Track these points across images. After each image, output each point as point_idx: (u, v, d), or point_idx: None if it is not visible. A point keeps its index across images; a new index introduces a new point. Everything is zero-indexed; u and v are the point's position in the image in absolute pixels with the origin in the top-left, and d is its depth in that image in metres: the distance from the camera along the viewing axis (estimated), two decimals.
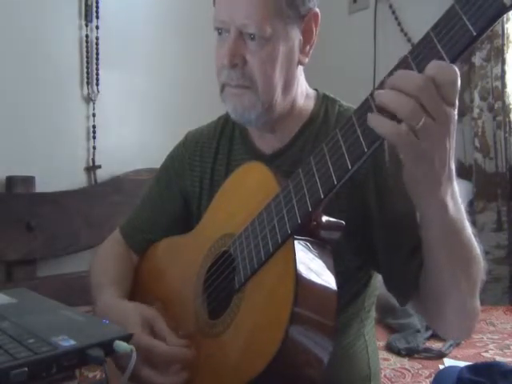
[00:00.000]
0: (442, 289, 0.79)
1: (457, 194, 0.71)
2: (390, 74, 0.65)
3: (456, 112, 0.64)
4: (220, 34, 0.92)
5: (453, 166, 0.68)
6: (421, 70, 0.62)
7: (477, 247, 0.77)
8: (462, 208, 0.74)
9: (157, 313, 0.86)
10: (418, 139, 0.62)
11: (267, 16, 0.87)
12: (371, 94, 0.66)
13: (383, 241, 0.88)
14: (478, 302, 0.81)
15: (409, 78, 0.61)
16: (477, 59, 2.42)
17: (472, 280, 0.78)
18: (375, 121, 0.63)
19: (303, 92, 1.00)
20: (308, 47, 0.94)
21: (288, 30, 0.90)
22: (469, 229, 0.75)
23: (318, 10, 0.93)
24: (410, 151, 0.64)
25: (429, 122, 0.61)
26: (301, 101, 0.99)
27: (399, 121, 0.62)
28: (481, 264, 0.78)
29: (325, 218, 0.76)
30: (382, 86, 0.65)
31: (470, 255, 0.76)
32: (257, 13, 0.86)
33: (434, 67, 0.60)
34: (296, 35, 0.92)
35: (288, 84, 0.93)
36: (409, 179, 0.69)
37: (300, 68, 0.97)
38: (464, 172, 2.51)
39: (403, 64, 0.64)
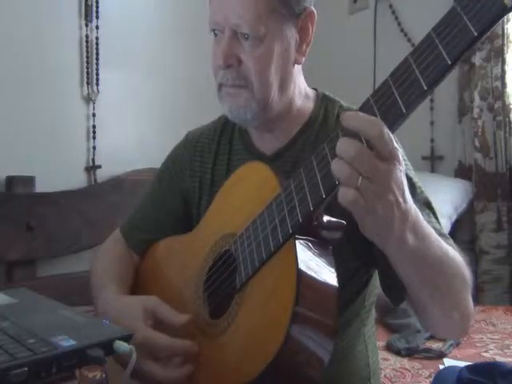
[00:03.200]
0: (423, 307, 0.80)
1: (420, 224, 0.71)
2: (392, 74, 0.65)
3: (396, 164, 0.64)
4: (215, 35, 0.92)
5: (408, 205, 0.67)
6: (422, 72, 0.62)
7: (454, 257, 0.78)
8: (429, 232, 0.73)
9: (158, 300, 0.85)
10: (362, 198, 0.63)
11: (260, 15, 0.87)
12: (372, 95, 0.66)
13: None
14: (468, 307, 0.81)
15: (345, 147, 0.63)
16: (477, 59, 2.42)
17: (454, 291, 0.78)
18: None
19: (301, 92, 0.99)
20: (304, 46, 0.94)
21: (283, 29, 0.90)
22: (439, 247, 0.75)
23: (313, 8, 0.92)
24: (355, 209, 0.65)
25: (365, 184, 0.63)
26: (299, 101, 0.98)
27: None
28: (461, 270, 0.79)
29: (326, 218, 0.76)
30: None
31: (443, 271, 0.76)
32: (250, 12, 0.86)
33: (356, 124, 0.63)
34: (291, 34, 0.91)
35: (284, 83, 0.93)
36: (360, 227, 0.68)
37: (298, 67, 0.96)
38: (464, 172, 2.51)
39: (404, 65, 0.64)
